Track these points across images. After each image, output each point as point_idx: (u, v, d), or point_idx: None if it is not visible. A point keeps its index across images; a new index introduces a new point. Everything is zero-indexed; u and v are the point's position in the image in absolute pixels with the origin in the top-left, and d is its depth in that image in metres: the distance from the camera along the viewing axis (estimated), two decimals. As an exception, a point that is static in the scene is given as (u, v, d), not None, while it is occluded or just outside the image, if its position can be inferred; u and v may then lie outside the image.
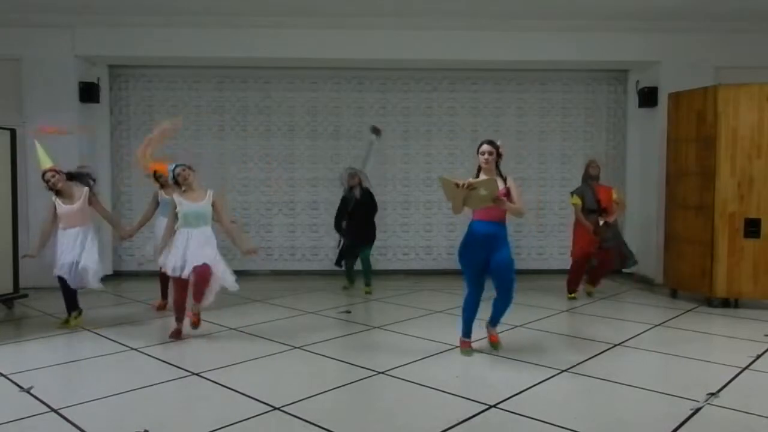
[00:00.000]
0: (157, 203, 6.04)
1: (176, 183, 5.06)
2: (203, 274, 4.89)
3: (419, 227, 8.68)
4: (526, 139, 8.66)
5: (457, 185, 4.23)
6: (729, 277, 6.21)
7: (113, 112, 8.39)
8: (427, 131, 8.64)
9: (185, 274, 4.88)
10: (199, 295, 5.00)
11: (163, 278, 6.08)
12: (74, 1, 7.10)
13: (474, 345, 4.72)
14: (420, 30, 7.62)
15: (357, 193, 7.03)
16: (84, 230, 5.30)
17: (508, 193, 4.40)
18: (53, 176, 5.22)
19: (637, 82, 8.21)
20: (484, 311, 4.62)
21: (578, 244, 6.72)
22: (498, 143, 4.52)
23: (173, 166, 5.07)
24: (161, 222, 5.91)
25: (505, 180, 4.48)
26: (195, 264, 4.85)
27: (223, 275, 5.04)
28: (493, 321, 4.67)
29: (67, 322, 5.44)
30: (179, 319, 5.07)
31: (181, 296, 5.01)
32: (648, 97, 7.93)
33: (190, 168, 5.07)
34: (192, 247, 4.90)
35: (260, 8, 7.26)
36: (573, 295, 6.75)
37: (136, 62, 8.18)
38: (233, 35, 7.56)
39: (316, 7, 7.23)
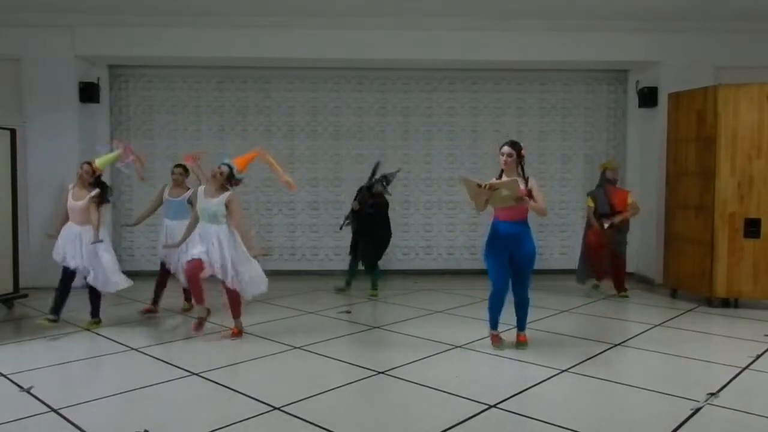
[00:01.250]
0: (160, 200, 6.00)
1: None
2: (235, 294, 5.00)
3: (419, 227, 8.68)
4: (526, 140, 8.56)
5: (480, 186, 4.27)
6: (729, 277, 6.21)
7: (113, 112, 8.38)
8: (427, 131, 8.64)
9: (225, 279, 4.91)
10: (237, 311, 5.10)
11: (161, 282, 6.03)
12: (74, 1, 7.11)
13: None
14: (420, 30, 7.62)
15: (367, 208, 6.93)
16: (84, 232, 5.27)
17: (529, 194, 4.44)
18: (86, 171, 5.29)
19: (637, 82, 8.21)
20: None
21: (586, 239, 6.93)
22: (521, 144, 4.53)
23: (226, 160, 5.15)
24: (169, 224, 5.88)
25: (527, 181, 4.50)
26: (231, 275, 4.89)
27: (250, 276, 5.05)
28: (521, 325, 4.70)
29: (96, 323, 5.46)
30: (200, 301, 5.07)
31: (197, 285, 5.00)
32: (648, 97, 7.93)
33: (222, 169, 5.07)
34: (225, 248, 4.90)
35: (260, 8, 7.26)
36: (595, 283, 7.09)
37: (136, 62, 8.17)
38: (233, 35, 7.56)
39: (316, 7, 7.23)
